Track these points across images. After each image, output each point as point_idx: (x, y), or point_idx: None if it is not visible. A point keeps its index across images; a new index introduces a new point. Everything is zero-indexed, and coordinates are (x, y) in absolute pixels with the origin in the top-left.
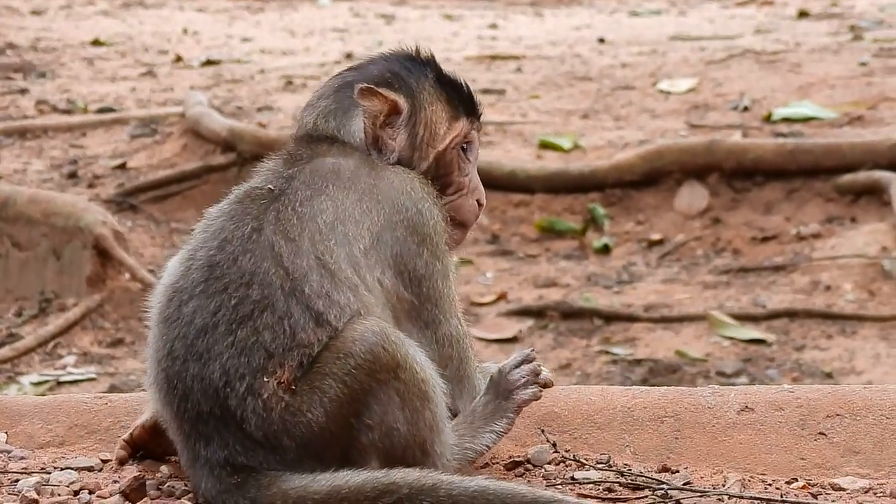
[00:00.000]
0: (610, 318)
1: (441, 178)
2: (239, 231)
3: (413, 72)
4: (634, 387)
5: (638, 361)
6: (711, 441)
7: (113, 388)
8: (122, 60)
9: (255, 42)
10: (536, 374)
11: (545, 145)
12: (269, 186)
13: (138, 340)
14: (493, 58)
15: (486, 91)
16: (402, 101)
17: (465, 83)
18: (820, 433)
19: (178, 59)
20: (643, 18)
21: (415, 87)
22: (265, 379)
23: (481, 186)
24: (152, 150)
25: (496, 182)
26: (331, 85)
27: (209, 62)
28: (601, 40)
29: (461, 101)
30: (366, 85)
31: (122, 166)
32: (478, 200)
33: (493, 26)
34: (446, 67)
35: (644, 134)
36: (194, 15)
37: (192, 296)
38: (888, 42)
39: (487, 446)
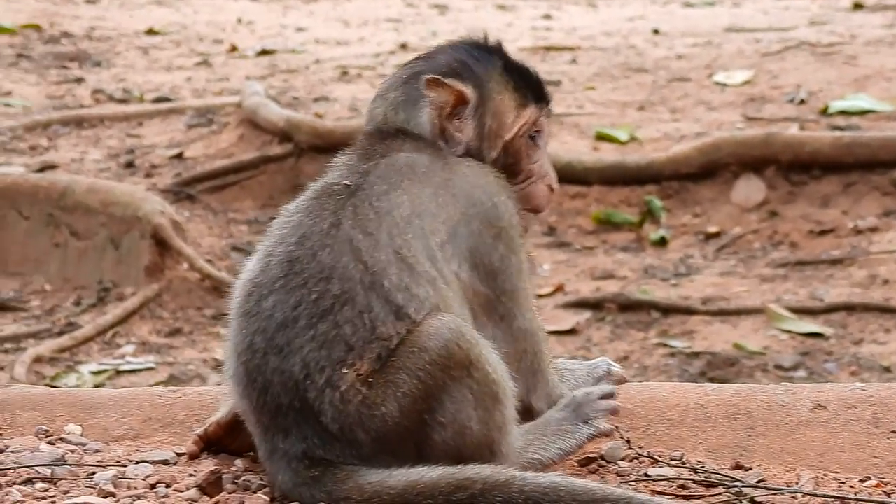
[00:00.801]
0: (667, 310)
1: (510, 166)
2: (317, 226)
3: (480, 60)
4: (707, 384)
5: (696, 354)
6: (784, 439)
7: (171, 378)
8: (177, 50)
9: (310, 32)
10: (616, 412)
11: (602, 137)
12: (346, 182)
13: (196, 330)
14: (548, 49)
15: None
16: (469, 92)
17: (534, 70)
18: (893, 431)
19: (233, 48)
20: (697, 9)
21: (482, 77)
22: (344, 371)
23: (552, 171)
24: (209, 139)
25: None
26: (399, 76)
27: (264, 52)
28: (656, 31)
29: (529, 87)
30: (432, 76)
31: (179, 156)
32: (549, 185)
33: (547, 17)
34: (513, 55)
35: (700, 126)
36: (248, 4)
37: (272, 291)
38: None
39: (553, 460)
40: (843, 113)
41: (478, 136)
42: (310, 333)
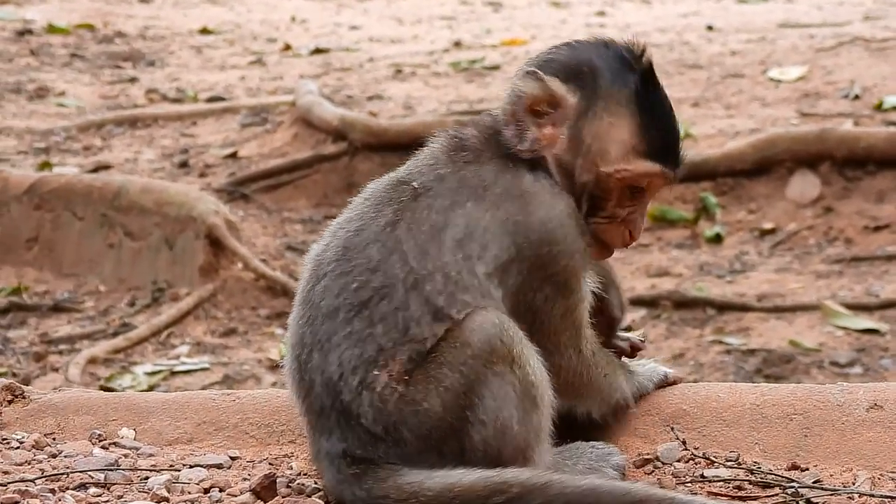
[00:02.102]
0: (723, 307)
1: (597, 198)
2: (376, 221)
3: (612, 72)
4: (762, 384)
5: (751, 351)
6: (841, 439)
7: (226, 378)
8: (231, 49)
9: (363, 30)
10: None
11: None
12: (415, 184)
13: (251, 330)
14: None
15: None
16: (567, 96)
17: (674, 122)
18: None
19: (287, 47)
20: (751, 5)
21: (600, 89)
22: (376, 372)
23: (641, 224)
24: (263, 139)
25: None
26: (522, 68)
27: (318, 50)
28: (710, 27)
29: (657, 138)
30: (532, 69)
31: (233, 155)
32: (629, 234)
33: (601, 13)
34: (662, 88)
35: (755, 122)
36: (301, 3)
37: (325, 274)
38: None
39: None
40: None
41: (571, 151)
42: (347, 329)
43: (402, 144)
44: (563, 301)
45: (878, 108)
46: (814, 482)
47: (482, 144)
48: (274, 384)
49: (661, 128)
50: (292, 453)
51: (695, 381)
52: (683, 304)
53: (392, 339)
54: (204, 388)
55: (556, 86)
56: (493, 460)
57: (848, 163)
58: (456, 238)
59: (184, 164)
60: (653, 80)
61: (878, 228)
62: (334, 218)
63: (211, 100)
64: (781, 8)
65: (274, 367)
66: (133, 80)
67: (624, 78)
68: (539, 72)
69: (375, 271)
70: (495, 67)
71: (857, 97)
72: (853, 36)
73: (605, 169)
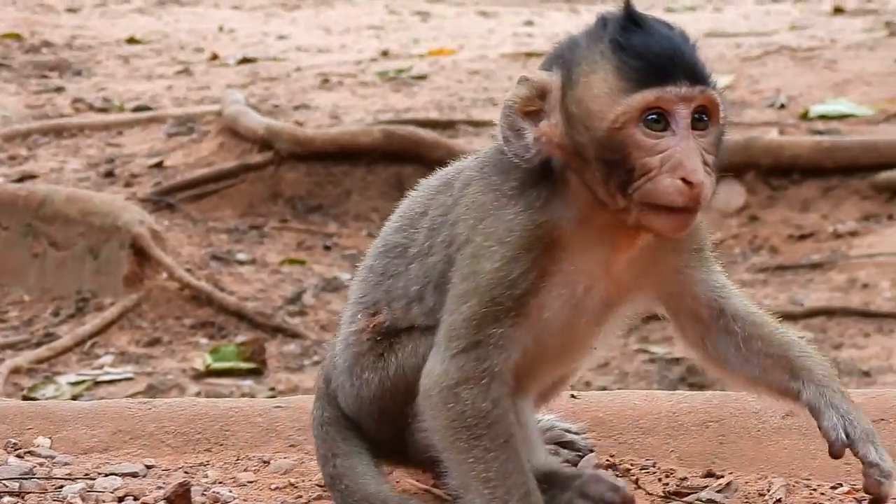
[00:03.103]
0: (648, 316)
1: (617, 163)
2: (414, 208)
3: (589, 35)
4: (679, 392)
5: (675, 360)
6: (756, 446)
7: (150, 388)
8: (158, 58)
9: (291, 40)
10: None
11: None
12: (451, 196)
13: (175, 340)
14: (529, 55)
15: None
16: (550, 80)
17: (669, 40)
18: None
19: (215, 56)
20: (678, 14)
21: (579, 56)
22: (360, 316)
23: (689, 161)
24: (189, 148)
25: None
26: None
27: (245, 60)
28: None
29: (645, 63)
30: (522, 75)
31: (159, 165)
32: (683, 178)
33: (529, 23)
34: (648, 22)
35: None
36: (230, 12)
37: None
38: None
39: None
40: (823, 117)
41: (569, 131)
42: (367, 264)
43: (327, 153)
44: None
45: (804, 117)
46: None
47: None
48: (198, 394)
49: (649, 53)
50: (208, 462)
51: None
52: None
53: (394, 293)
54: (128, 397)
55: (538, 75)
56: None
57: (773, 172)
58: (466, 255)
59: (109, 174)
60: (635, 21)
61: (802, 237)
62: (260, 227)
63: (137, 109)
64: (709, 17)
65: (198, 376)
66: (59, 89)
67: (599, 34)
68: (524, 75)
69: (402, 230)
70: (422, 77)
71: (782, 106)
72: (779, 45)
73: (601, 127)
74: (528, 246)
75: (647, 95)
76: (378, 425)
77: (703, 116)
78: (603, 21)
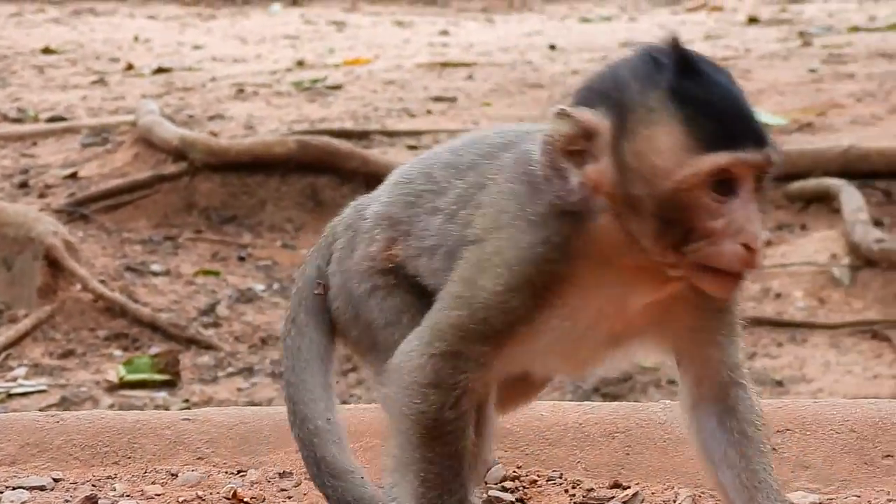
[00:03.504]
0: None
1: (678, 222)
2: (464, 158)
3: (641, 77)
4: (586, 402)
5: None
6: (662, 456)
7: (64, 400)
8: (73, 68)
9: (207, 49)
10: None
11: None
12: (491, 167)
13: (89, 352)
14: (445, 65)
15: (437, 99)
16: (599, 122)
17: (735, 100)
18: (771, 448)
19: (130, 67)
20: (594, 25)
21: (631, 101)
22: (378, 235)
23: (752, 227)
24: (104, 159)
25: None
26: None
27: (160, 70)
28: (552, 47)
29: (711, 126)
30: (561, 108)
31: (74, 176)
32: (744, 245)
33: (445, 33)
34: (708, 69)
35: None
36: (145, 22)
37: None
38: (837, 48)
39: None
40: None
41: (622, 182)
42: (418, 172)
43: (242, 164)
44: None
45: None
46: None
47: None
48: (111, 406)
49: (716, 110)
50: (116, 474)
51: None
52: None
53: (415, 222)
54: (41, 409)
55: (584, 115)
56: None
57: None
58: (471, 261)
59: (23, 185)
60: (691, 66)
61: None
62: (174, 238)
63: (52, 120)
64: (624, 27)
65: (112, 388)
66: None
67: (653, 79)
68: (564, 109)
69: (430, 179)
70: (338, 87)
71: None
72: None
73: (663, 185)
74: (534, 280)
75: (719, 160)
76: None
77: (762, 177)
78: (654, 61)
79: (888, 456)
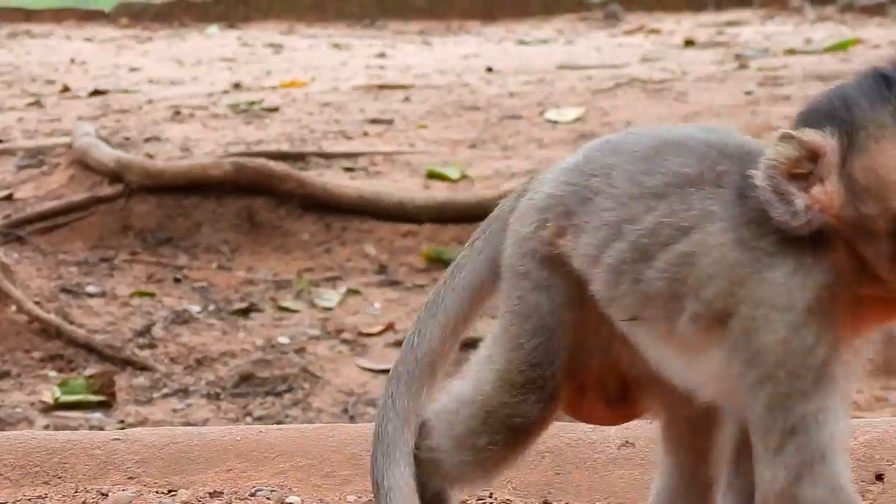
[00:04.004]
0: None
1: None
2: (657, 175)
3: (871, 94)
4: None
5: None
6: (592, 476)
7: None
8: (9, 91)
9: (143, 72)
10: None
11: (433, 175)
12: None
13: (24, 373)
14: (381, 87)
15: (373, 121)
16: (825, 141)
17: None
18: None
19: (66, 89)
20: (531, 47)
21: (861, 118)
22: (550, 222)
23: None
24: (39, 181)
25: (384, 212)
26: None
27: (97, 92)
28: (489, 69)
29: None
30: (785, 131)
31: (9, 198)
32: None
33: (382, 55)
34: None
35: (531, 163)
36: (82, 45)
37: None
38: (773, 71)
39: None
40: None
41: (850, 203)
42: (606, 156)
43: (178, 186)
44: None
45: None
46: None
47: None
48: (46, 427)
49: None
50: (46, 495)
51: None
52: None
53: (581, 218)
54: None
55: (809, 135)
56: None
57: None
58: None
59: None
60: None
61: None
62: (110, 260)
63: None
64: (561, 50)
65: (47, 409)
66: None
67: (884, 95)
68: (788, 131)
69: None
70: (274, 109)
71: None
72: (630, 77)
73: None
74: (811, 309)
75: None
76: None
77: None
78: (884, 79)
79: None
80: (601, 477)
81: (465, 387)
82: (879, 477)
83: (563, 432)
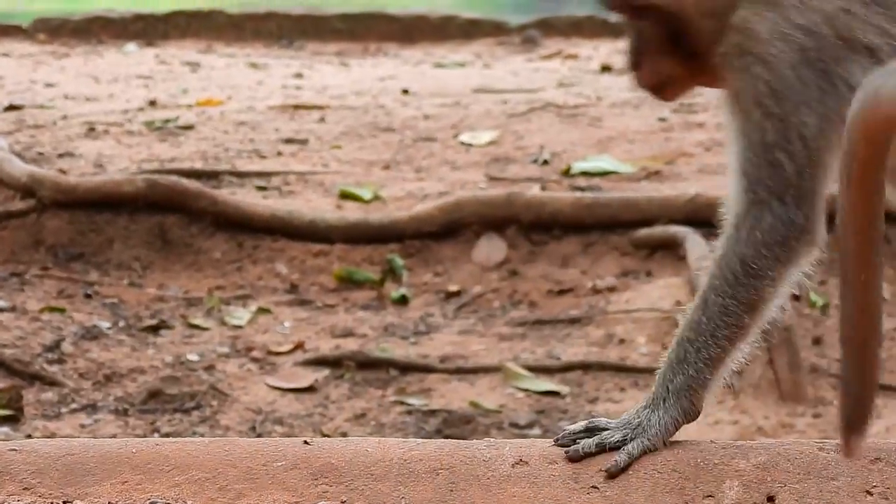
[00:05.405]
0: (406, 368)
1: None
2: None
3: None
4: (411, 439)
5: (433, 412)
6: (486, 494)
7: None
8: None
9: (60, 87)
10: None
11: (346, 195)
12: None
13: None
14: (297, 107)
15: (288, 140)
16: None
17: None
18: (593, 486)
19: None
20: (448, 70)
21: None
22: None
23: None
24: None
25: (296, 231)
26: None
27: (12, 107)
28: (405, 91)
29: None
30: None
31: None
32: None
33: (299, 76)
34: None
35: (444, 186)
36: None
37: None
38: (690, 99)
39: None
40: (585, 174)
41: None
42: None
43: (91, 202)
44: None
45: (566, 173)
46: None
47: None
48: None
49: None
50: None
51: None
52: (367, 364)
53: None
54: None
55: None
56: None
57: (534, 227)
58: None
59: None
60: None
61: (561, 292)
62: (21, 275)
63: None
64: (478, 73)
65: None
66: None
67: None
68: None
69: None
70: (189, 127)
71: (546, 162)
72: (546, 102)
73: None
74: None
75: None
76: None
77: None
78: None
79: (709, 496)
80: (494, 494)
81: None
82: (771, 499)
83: (458, 449)
